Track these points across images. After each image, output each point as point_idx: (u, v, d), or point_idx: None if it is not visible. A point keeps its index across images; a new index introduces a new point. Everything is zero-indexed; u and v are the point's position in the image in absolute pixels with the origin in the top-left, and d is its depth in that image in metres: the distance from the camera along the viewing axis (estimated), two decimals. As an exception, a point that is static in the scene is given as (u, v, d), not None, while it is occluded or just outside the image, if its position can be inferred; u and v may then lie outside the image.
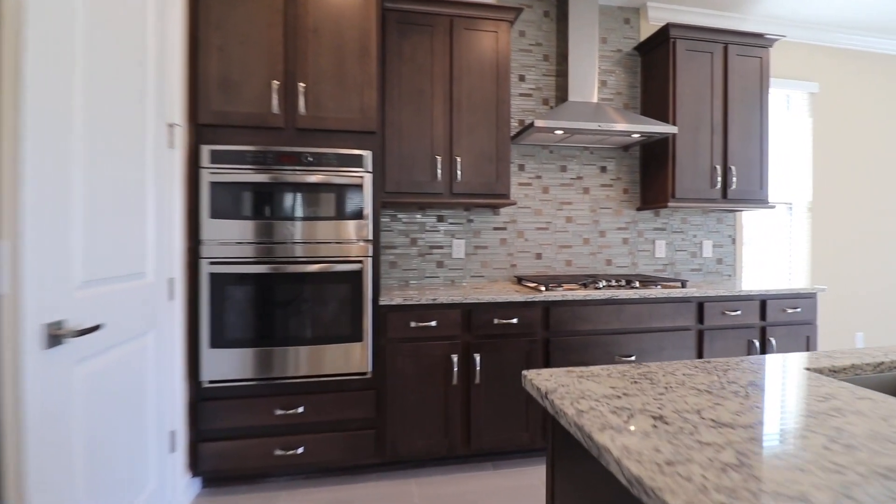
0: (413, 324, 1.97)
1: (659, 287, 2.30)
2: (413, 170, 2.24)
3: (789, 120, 3.24)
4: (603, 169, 2.82)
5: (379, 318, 1.97)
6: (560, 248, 2.77)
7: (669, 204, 2.56)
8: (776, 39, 2.65)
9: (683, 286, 2.31)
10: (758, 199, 2.69)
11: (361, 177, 1.92)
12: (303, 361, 1.87)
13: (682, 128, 2.57)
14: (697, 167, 2.58)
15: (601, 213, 2.82)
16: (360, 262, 1.92)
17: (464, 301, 2.01)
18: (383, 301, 1.94)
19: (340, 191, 1.91)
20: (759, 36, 2.63)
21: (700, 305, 2.31)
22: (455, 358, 2.00)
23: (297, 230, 1.87)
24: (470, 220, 2.64)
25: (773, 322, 2.42)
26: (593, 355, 2.15)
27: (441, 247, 2.60)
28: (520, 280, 2.58)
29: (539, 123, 2.24)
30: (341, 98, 1.93)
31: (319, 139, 1.92)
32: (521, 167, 2.72)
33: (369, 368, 1.92)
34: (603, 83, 2.83)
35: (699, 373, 0.92)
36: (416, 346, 1.98)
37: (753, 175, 2.68)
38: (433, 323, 1.99)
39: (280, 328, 1.86)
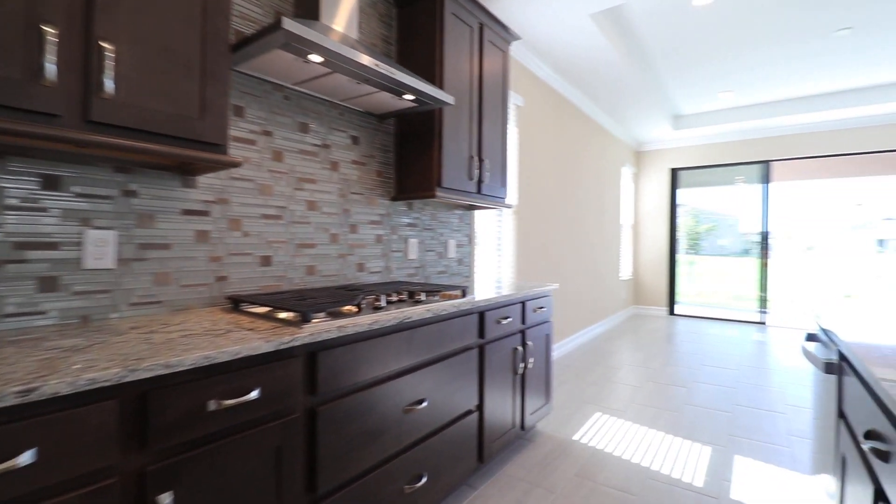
0: (-65, 482, 0.64)
1: (439, 297, 1.75)
2: (-49, 36, 0.83)
3: (502, 127, 3.42)
4: (355, 140, 2.07)
5: None
6: (299, 248, 1.83)
7: (437, 194, 2.07)
8: (515, 39, 2.62)
9: (465, 294, 1.85)
10: (501, 196, 2.59)
11: None
12: None
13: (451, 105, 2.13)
14: (459, 154, 2.21)
15: (352, 201, 2.06)
16: None
17: (126, 378, 0.83)
18: None
19: None
20: (506, 28, 2.52)
21: (482, 316, 1.91)
22: (103, 525, 0.79)
23: None
24: (130, 193, 1.34)
25: (530, 324, 2.31)
26: (380, 416, 1.37)
27: (55, 245, 1.20)
28: (237, 303, 1.49)
29: (290, 27, 1.27)
30: None
31: None
32: (240, 111, 1.62)
33: None
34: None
35: None
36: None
37: (498, 172, 2.55)
38: (24, 458, 0.71)
39: None
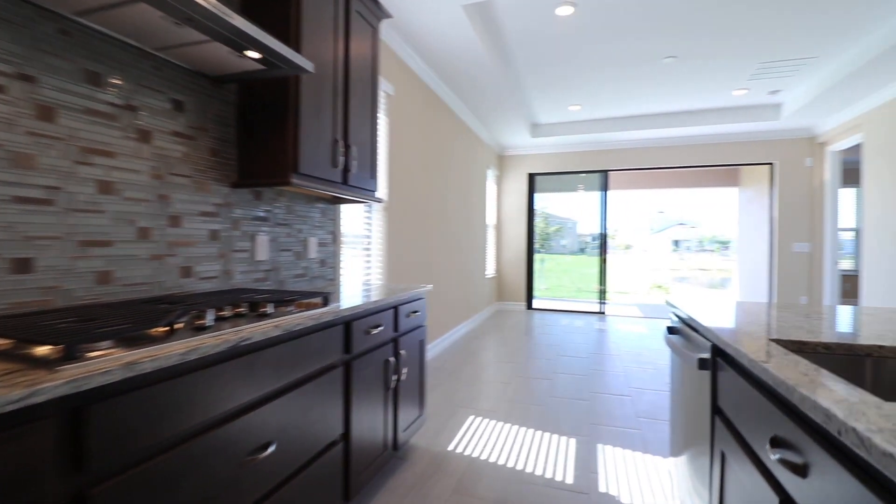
0: None
1: (293, 308, 1.42)
2: None
3: (370, 116, 3.15)
4: (178, 105, 1.59)
5: None
6: (84, 247, 1.30)
7: (293, 181, 1.71)
8: (386, 16, 2.37)
9: (327, 302, 1.54)
10: (370, 189, 2.32)
11: None
12: None
13: (310, 73, 1.78)
14: (321, 136, 1.88)
15: (174, 185, 1.57)
16: None
17: None
18: None
19: None
20: (377, 2, 2.25)
21: (348, 327, 1.62)
22: None
23: None
24: None
25: (403, 331, 2.09)
26: (206, 478, 0.99)
27: None
28: (-41, 330, 0.95)
29: None
30: None
31: None
32: (-37, 34, 1.06)
33: None
34: (177, -48, 1.58)
35: None
36: None
37: (367, 161, 2.28)
38: None
39: None
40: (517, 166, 7.20)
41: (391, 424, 1.97)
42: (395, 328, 2.01)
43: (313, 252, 2.35)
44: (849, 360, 0.96)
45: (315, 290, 2.08)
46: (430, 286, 2.38)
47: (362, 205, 3.05)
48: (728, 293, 13.91)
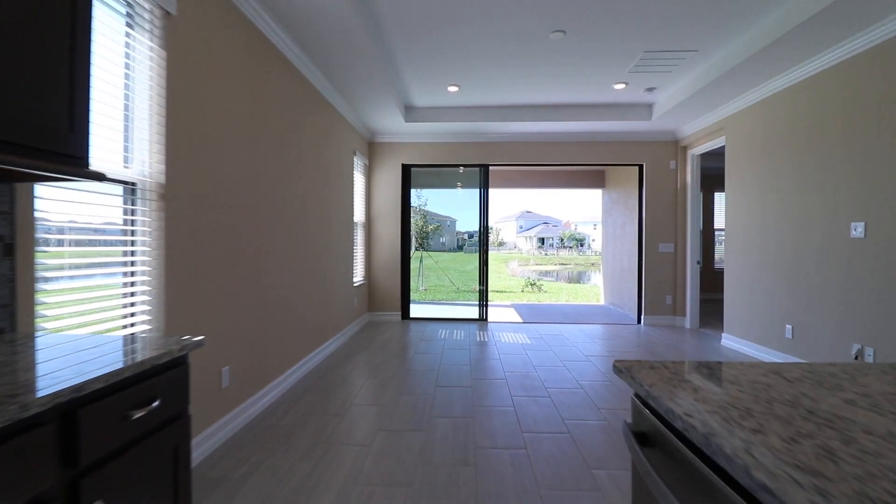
0: None
1: None
2: None
3: (127, 44, 1.90)
4: None
5: None
6: None
7: None
8: None
9: None
10: (64, 152, 1.15)
11: None
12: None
13: None
14: None
15: None
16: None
17: None
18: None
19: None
20: None
21: None
22: None
23: None
24: None
25: (109, 452, 0.98)
26: None
27: None
28: None
29: None
30: None
31: None
32: None
33: None
34: None
35: None
36: None
37: (55, 98, 1.11)
38: None
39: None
40: (390, 156, 6.26)
41: None
42: (70, 461, 0.89)
43: (-83, 282, 1.08)
44: None
45: None
46: (201, 337, 1.29)
47: (117, 188, 1.80)
48: (590, 287, 14.91)
